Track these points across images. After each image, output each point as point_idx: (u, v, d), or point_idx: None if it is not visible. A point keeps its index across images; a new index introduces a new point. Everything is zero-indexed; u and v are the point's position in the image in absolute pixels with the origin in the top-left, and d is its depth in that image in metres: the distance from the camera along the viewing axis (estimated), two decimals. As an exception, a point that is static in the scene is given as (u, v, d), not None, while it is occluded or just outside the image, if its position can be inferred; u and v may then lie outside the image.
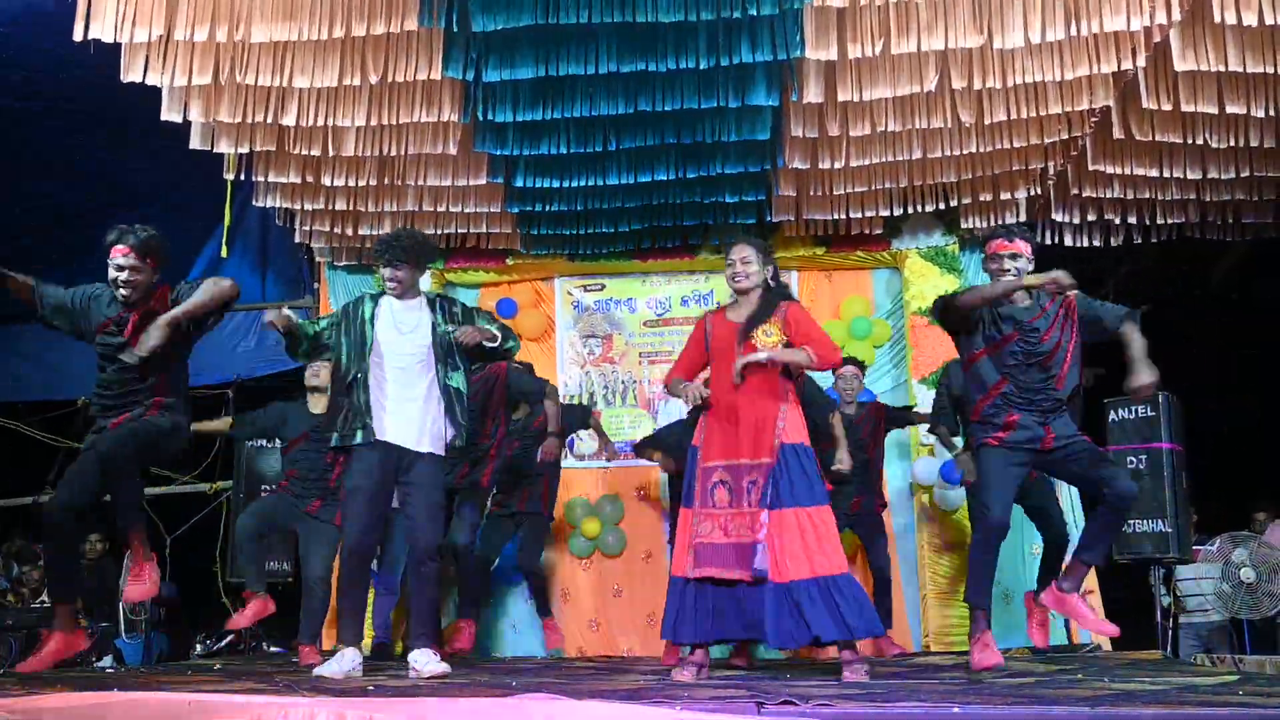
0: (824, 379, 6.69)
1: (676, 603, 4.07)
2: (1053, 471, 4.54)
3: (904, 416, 6.44)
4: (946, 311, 4.41)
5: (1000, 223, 4.80)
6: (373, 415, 4.32)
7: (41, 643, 4.27)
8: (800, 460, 4.05)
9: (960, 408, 5.65)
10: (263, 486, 6.90)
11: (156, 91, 5.41)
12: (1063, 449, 4.23)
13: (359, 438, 4.31)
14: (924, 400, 6.67)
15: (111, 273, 4.30)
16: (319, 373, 5.74)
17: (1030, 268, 4.33)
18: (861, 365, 6.37)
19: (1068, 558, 4.89)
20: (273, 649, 6.92)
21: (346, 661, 4.17)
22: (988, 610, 4.31)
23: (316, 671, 4.15)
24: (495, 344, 4.44)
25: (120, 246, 4.28)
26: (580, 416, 6.55)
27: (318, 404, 5.81)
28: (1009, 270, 4.27)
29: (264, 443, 6.91)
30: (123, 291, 4.29)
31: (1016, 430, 4.23)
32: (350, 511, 4.35)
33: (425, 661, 4.17)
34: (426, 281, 7.18)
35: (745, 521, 4.02)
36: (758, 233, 7.10)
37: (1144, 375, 4.05)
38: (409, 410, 4.34)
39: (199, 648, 7.30)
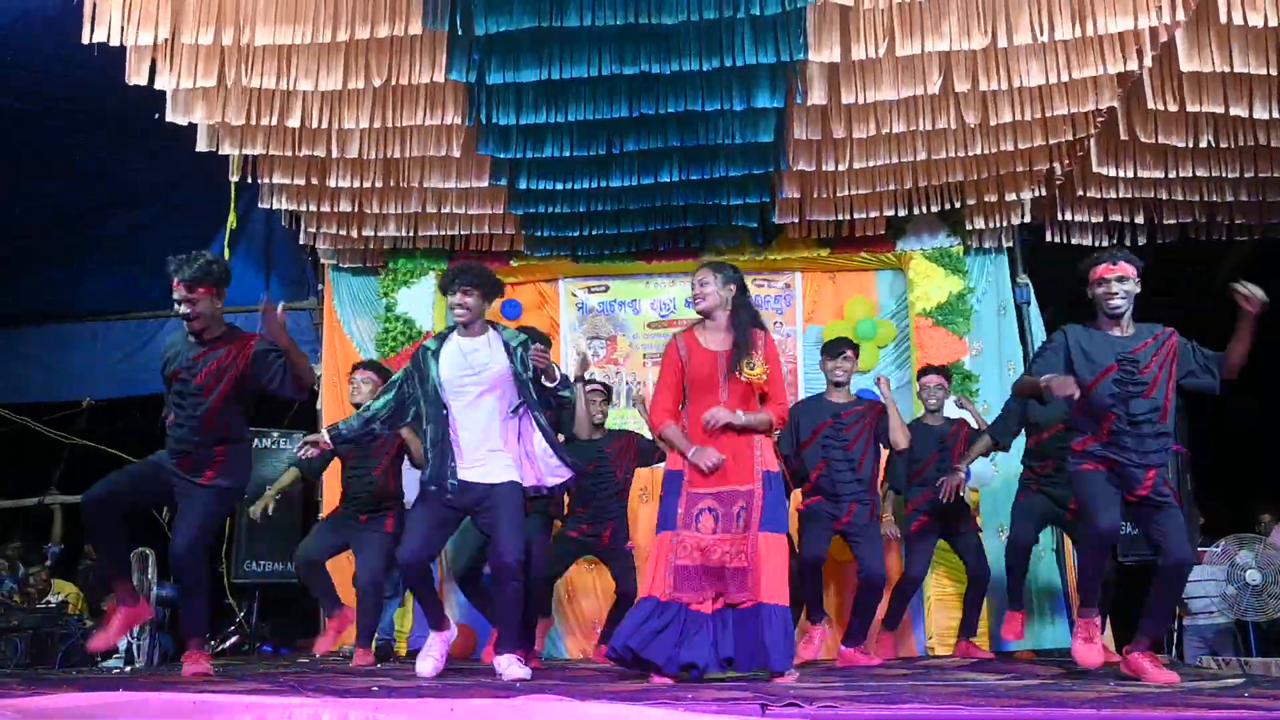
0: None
1: (657, 624, 4.00)
2: (1130, 517, 4.41)
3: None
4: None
5: (1104, 247, 4.77)
6: (447, 459, 4.36)
7: (107, 617, 4.38)
8: (776, 487, 4.16)
9: (1033, 432, 5.67)
10: (266, 488, 6.90)
11: (158, 92, 5.42)
12: (1149, 503, 4.12)
13: (434, 484, 4.39)
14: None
15: (178, 308, 4.35)
16: (359, 388, 5.74)
17: (1137, 290, 4.19)
18: (946, 374, 6.14)
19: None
20: (282, 649, 6.94)
21: (432, 644, 4.50)
22: (1102, 610, 4.35)
23: (419, 672, 4.38)
24: (553, 384, 4.46)
25: (174, 281, 4.29)
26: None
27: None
28: (1117, 294, 4.13)
29: (268, 444, 6.93)
30: (194, 325, 4.33)
31: (1115, 467, 4.14)
32: (409, 527, 4.49)
33: (507, 664, 4.30)
34: (430, 286, 7.25)
35: (732, 548, 4.05)
36: (761, 234, 7.12)
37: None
38: (481, 450, 4.38)
39: (203, 649, 7.30)
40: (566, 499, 5.86)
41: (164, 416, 4.41)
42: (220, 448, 4.36)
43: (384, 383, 5.24)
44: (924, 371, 6.13)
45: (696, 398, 4.19)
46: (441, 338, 4.53)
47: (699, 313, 4.28)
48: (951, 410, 6.14)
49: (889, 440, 5.48)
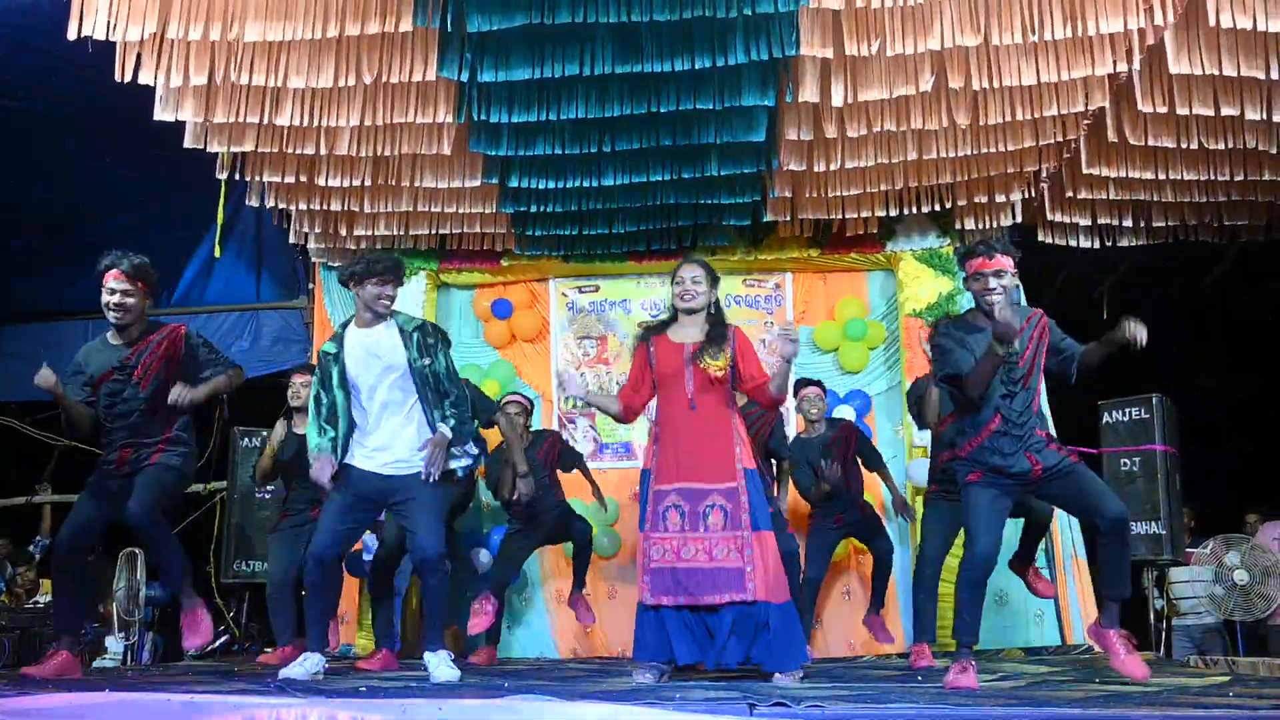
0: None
1: (641, 630, 4.12)
2: (1041, 494, 4.28)
3: (873, 459, 6.22)
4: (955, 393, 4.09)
5: (979, 239, 4.32)
6: (351, 445, 4.32)
7: (50, 655, 4.37)
8: (757, 485, 4.18)
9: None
10: (255, 491, 6.89)
11: (148, 93, 5.40)
12: (1050, 476, 3.95)
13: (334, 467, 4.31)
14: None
15: (104, 298, 4.37)
16: (299, 392, 5.74)
17: (1015, 282, 4.05)
18: (822, 386, 6.26)
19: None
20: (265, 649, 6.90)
21: (311, 665, 4.15)
22: (972, 647, 4.00)
23: (282, 674, 4.09)
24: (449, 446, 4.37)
25: (113, 271, 4.34)
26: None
27: (300, 424, 5.82)
28: (994, 289, 3.89)
29: (258, 445, 6.90)
30: (114, 315, 4.36)
31: (1003, 472, 3.95)
32: (321, 521, 4.40)
33: (436, 664, 4.16)
34: (421, 284, 7.24)
35: (705, 546, 4.05)
36: (751, 234, 7.12)
37: (1126, 327, 3.81)
38: (386, 437, 4.31)
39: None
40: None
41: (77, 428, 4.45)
42: (166, 433, 4.39)
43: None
44: (802, 383, 6.15)
45: (665, 389, 4.26)
46: (338, 338, 4.43)
47: (686, 310, 4.30)
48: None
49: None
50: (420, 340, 4.34)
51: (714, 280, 4.33)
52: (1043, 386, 4.07)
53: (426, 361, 4.32)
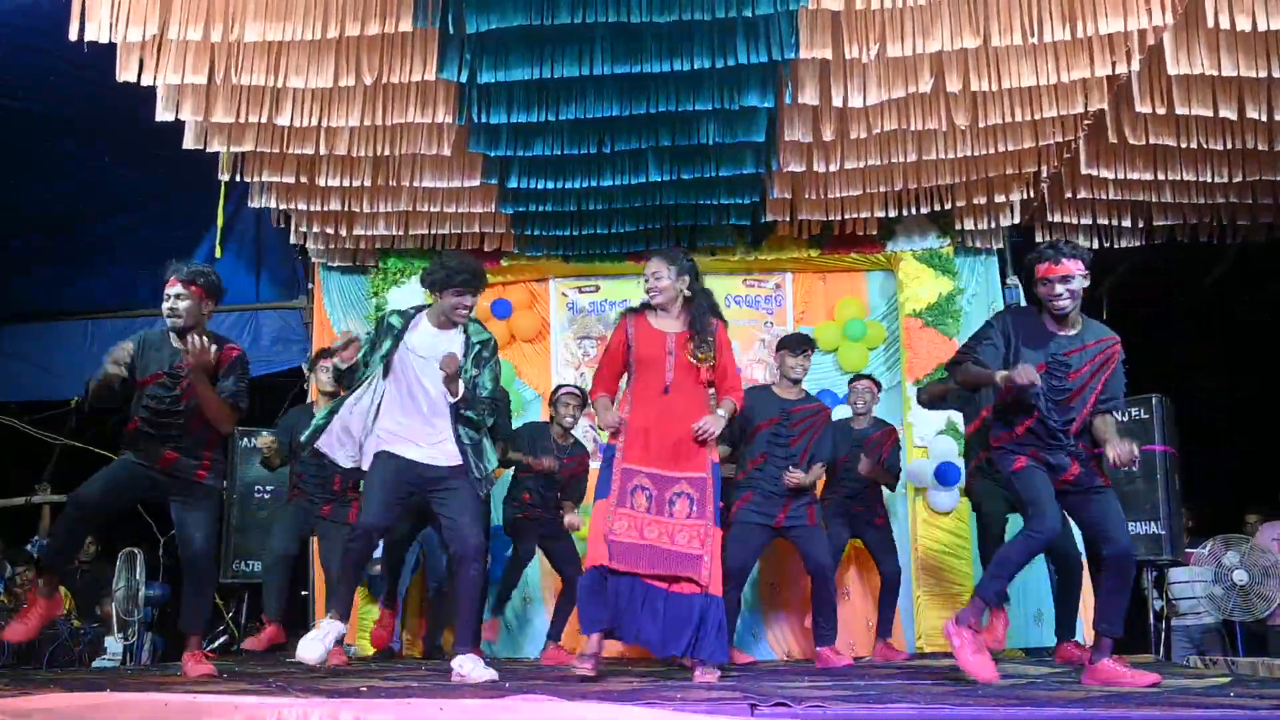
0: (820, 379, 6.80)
1: (591, 592, 4.14)
2: (1065, 506, 4.19)
3: (892, 473, 6.14)
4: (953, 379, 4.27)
5: (1048, 242, 4.21)
6: (387, 434, 4.31)
7: (27, 609, 4.45)
8: (718, 479, 4.30)
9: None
10: (255, 487, 6.90)
11: (149, 93, 5.41)
12: (1081, 485, 3.96)
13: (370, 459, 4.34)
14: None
15: (163, 304, 4.46)
16: (321, 376, 5.77)
17: (1086, 284, 3.96)
18: (877, 383, 6.30)
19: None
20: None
21: (327, 630, 4.15)
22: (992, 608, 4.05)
23: (300, 647, 4.11)
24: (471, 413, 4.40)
25: (170, 278, 4.43)
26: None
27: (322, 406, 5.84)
28: (1060, 295, 3.88)
29: (258, 444, 6.91)
30: (170, 319, 4.42)
31: (1042, 460, 3.96)
32: (367, 496, 4.34)
33: (472, 667, 4.09)
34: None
35: (668, 530, 4.14)
36: (751, 234, 7.12)
37: (1125, 444, 3.86)
38: (432, 435, 4.32)
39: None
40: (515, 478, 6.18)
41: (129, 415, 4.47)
42: (208, 451, 4.47)
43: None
44: (857, 376, 6.28)
45: (642, 374, 4.31)
46: (409, 317, 4.45)
47: (658, 306, 4.36)
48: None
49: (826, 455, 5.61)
50: (478, 354, 4.39)
51: (680, 270, 4.33)
52: (1087, 417, 4.01)
53: (475, 372, 4.36)
